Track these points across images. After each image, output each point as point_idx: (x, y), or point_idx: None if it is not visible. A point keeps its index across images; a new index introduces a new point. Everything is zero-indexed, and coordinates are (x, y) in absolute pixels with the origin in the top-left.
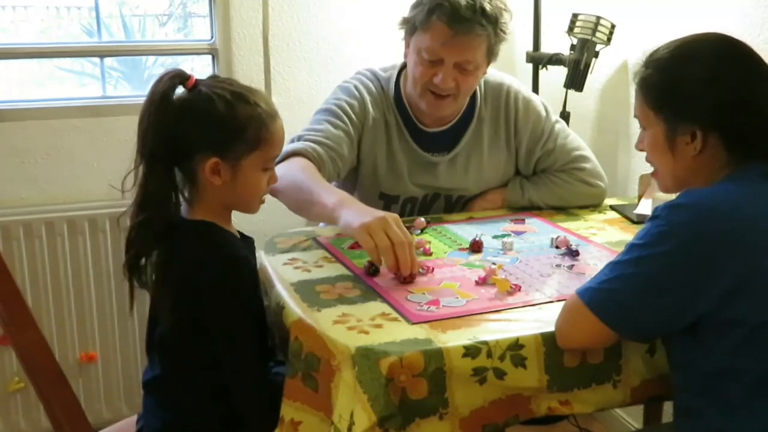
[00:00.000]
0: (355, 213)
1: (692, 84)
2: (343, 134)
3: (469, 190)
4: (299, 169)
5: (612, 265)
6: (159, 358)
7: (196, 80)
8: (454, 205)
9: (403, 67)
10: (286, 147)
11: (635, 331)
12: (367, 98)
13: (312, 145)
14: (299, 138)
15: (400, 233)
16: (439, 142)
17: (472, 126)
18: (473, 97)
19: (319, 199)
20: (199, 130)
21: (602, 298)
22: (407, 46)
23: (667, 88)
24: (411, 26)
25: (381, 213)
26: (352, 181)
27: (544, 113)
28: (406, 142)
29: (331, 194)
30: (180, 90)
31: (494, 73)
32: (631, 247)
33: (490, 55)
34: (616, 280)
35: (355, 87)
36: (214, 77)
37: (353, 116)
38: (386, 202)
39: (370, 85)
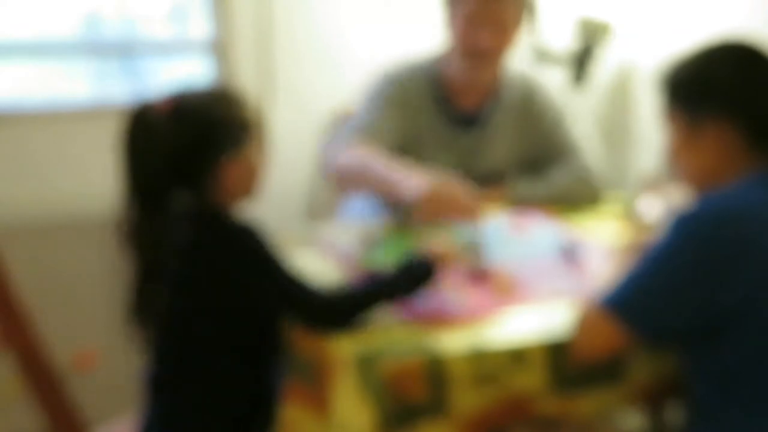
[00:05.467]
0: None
1: (712, 78)
2: (394, 120)
3: (474, 173)
4: (373, 155)
5: (629, 276)
6: (179, 359)
7: (168, 104)
8: None
9: (443, 52)
10: (348, 138)
11: (656, 329)
12: (407, 81)
13: (375, 134)
14: (357, 128)
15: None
16: (464, 120)
17: (497, 111)
18: (500, 86)
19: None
20: (211, 139)
21: (625, 298)
22: (450, 17)
23: (689, 84)
24: None
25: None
26: None
27: (558, 108)
28: (436, 116)
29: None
30: (157, 116)
31: (517, 68)
32: (647, 259)
33: (523, 11)
34: (636, 285)
35: (394, 73)
36: (177, 95)
37: (399, 101)
38: None
39: (405, 70)
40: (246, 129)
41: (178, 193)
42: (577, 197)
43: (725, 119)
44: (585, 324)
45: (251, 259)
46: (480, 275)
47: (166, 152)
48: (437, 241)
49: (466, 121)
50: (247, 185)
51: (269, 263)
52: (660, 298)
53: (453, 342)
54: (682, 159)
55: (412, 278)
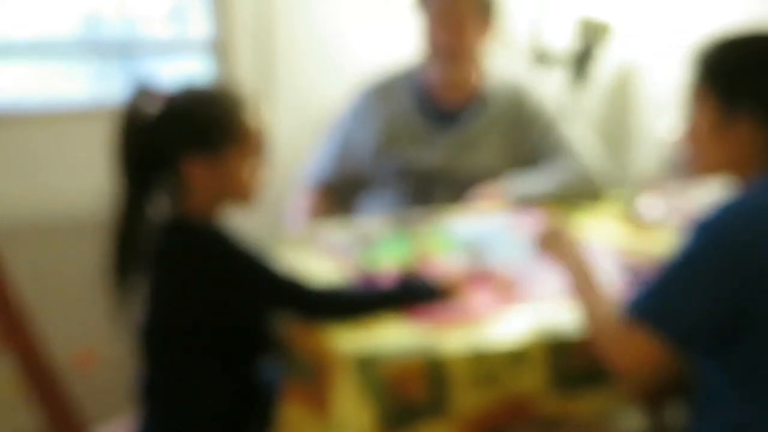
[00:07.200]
0: None
1: (754, 70)
2: (365, 133)
3: (463, 171)
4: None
5: (651, 285)
6: (167, 363)
7: (165, 95)
8: (449, 195)
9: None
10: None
11: (686, 333)
12: (387, 86)
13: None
14: (313, 174)
15: None
16: (444, 118)
17: (482, 114)
18: (485, 89)
19: None
20: (179, 135)
21: (652, 305)
22: (423, 21)
23: (734, 73)
24: (419, 2)
25: None
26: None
27: (549, 109)
28: (416, 113)
29: None
30: (151, 104)
31: (506, 74)
32: (668, 267)
33: (486, 10)
34: (661, 292)
35: (373, 83)
36: (180, 89)
37: (374, 108)
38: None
39: (386, 77)
40: (227, 133)
41: (155, 201)
42: (577, 193)
43: (761, 120)
44: (616, 341)
45: (224, 263)
46: (480, 275)
47: (143, 143)
48: (453, 266)
49: (446, 118)
50: (227, 190)
51: (246, 264)
52: (686, 301)
53: (453, 342)
54: (702, 144)
55: (411, 300)
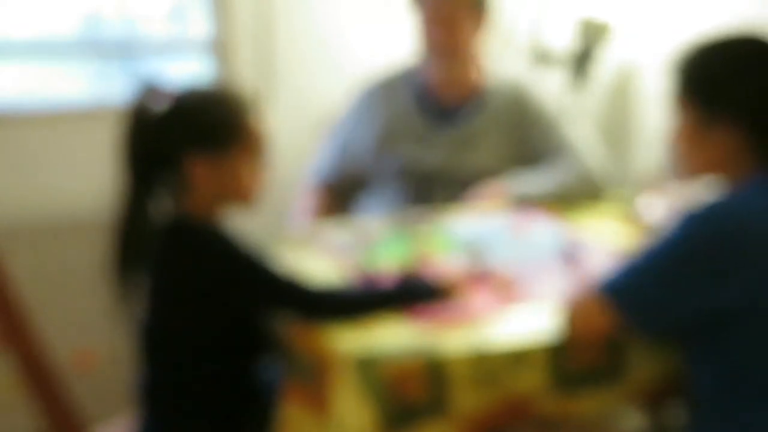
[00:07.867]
0: None
1: (736, 84)
2: (364, 132)
3: (463, 170)
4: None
5: (630, 264)
6: (167, 363)
7: (171, 94)
8: (449, 194)
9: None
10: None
11: (648, 320)
12: (388, 84)
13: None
14: (317, 171)
15: None
16: (443, 115)
17: (481, 112)
18: (485, 88)
19: None
20: (184, 134)
21: (622, 285)
22: (418, 20)
23: (710, 81)
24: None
25: None
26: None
27: (551, 108)
28: (415, 110)
29: None
30: (157, 102)
31: (506, 73)
32: (650, 250)
33: (479, 6)
34: (634, 274)
35: (374, 82)
36: (187, 89)
37: (375, 105)
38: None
39: (387, 76)
40: (231, 134)
41: (157, 201)
42: (577, 193)
43: (740, 123)
44: (580, 305)
45: (224, 263)
46: (480, 275)
47: (148, 140)
48: (453, 266)
49: (445, 115)
50: (229, 191)
51: (246, 264)
52: (655, 289)
53: (453, 342)
54: (686, 148)
55: (410, 300)
